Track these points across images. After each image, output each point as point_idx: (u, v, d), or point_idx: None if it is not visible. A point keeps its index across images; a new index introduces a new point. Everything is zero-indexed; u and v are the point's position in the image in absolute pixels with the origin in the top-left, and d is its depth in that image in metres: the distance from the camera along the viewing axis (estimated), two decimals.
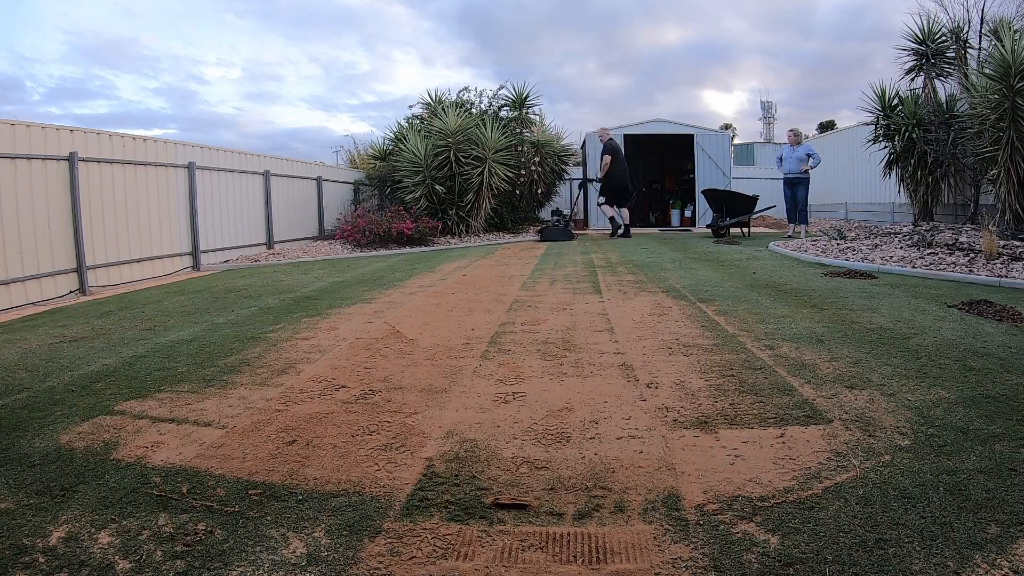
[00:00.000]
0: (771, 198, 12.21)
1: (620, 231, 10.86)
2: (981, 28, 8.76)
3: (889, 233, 8.34)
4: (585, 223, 14.61)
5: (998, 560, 1.15)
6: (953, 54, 9.07)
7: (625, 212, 11.16)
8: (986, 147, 7.05)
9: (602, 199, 11.30)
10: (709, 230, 11.16)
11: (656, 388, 2.27)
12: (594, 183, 12.68)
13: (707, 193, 10.96)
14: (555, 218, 11.83)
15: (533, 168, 12.43)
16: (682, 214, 15.23)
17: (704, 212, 13.39)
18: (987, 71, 7.02)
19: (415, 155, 11.12)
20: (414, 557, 1.24)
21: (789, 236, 10.14)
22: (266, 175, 9.51)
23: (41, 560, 1.25)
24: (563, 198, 16.12)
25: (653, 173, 16.97)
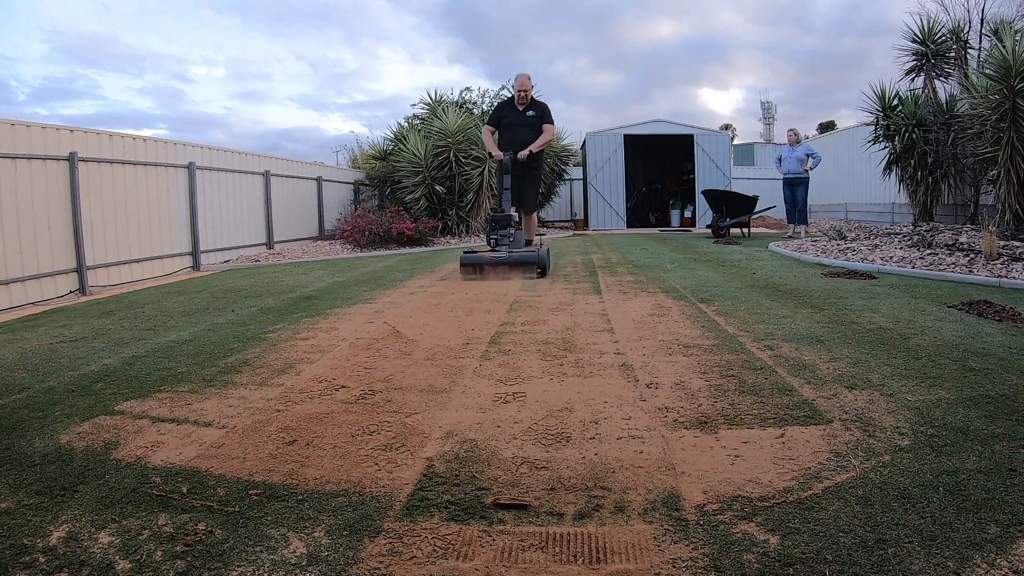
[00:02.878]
0: (771, 198, 12.22)
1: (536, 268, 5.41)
2: (981, 28, 8.77)
3: (889, 233, 8.34)
4: (585, 223, 14.63)
5: (998, 560, 1.15)
6: (953, 54, 9.07)
7: (532, 220, 6.64)
8: (986, 147, 7.05)
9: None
10: (709, 230, 11.16)
11: (656, 388, 2.27)
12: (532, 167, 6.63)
13: (707, 193, 10.96)
14: (495, 233, 5.62)
15: None
16: (682, 214, 15.25)
17: (704, 212, 13.40)
18: (987, 71, 7.02)
19: (415, 155, 11.13)
20: (414, 557, 1.24)
21: (789, 236, 10.15)
22: (266, 175, 9.51)
23: (41, 560, 1.25)
24: (563, 198, 16.15)
25: (653, 173, 16.98)
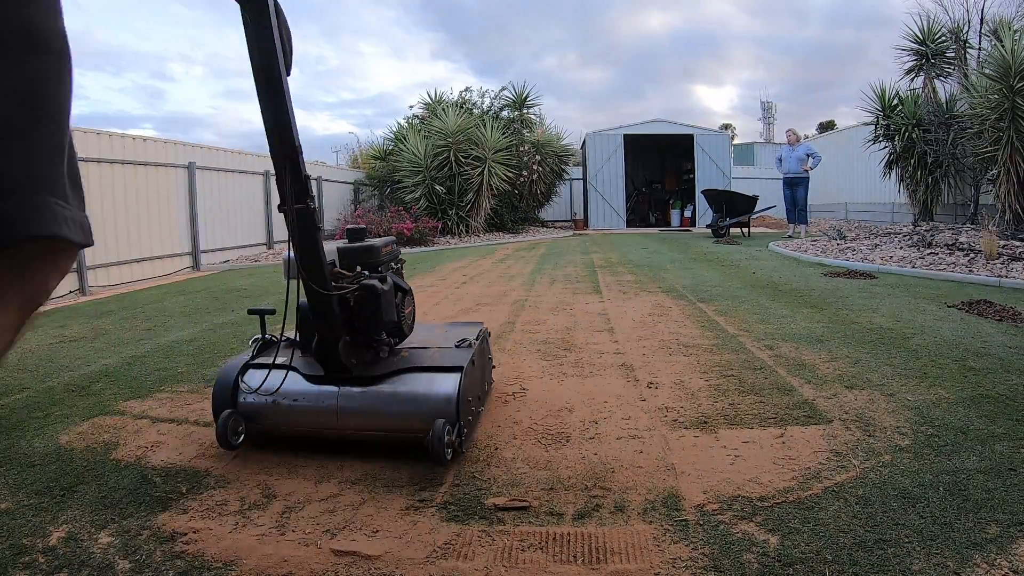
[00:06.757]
0: (771, 198, 12.22)
1: None
2: (981, 28, 8.78)
3: (889, 233, 8.34)
4: (585, 223, 14.64)
5: (998, 560, 1.15)
6: (953, 54, 9.08)
7: None
8: (986, 147, 7.06)
9: None
10: (709, 230, 11.16)
11: (656, 388, 2.27)
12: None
13: (707, 193, 10.97)
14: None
15: (533, 168, 12.44)
16: (682, 214, 15.26)
17: (704, 212, 13.40)
18: (987, 71, 7.03)
19: (415, 155, 11.14)
20: (414, 557, 1.24)
21: (789, 236, 10.15)
22: (266, 175, 9.51)
23: (41, 560, 1.25)
24: (563, 198, 16.15)
25: (653, 173, 16.98)
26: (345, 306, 1.72)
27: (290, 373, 1.78)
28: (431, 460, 1.59)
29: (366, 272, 1.81)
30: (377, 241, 1.90)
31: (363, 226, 2.00)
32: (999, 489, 1.42)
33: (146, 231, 6.91)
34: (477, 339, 2.01)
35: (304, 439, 1.83)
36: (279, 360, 1.81)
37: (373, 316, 1.73)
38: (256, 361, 1.86)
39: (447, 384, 1.71)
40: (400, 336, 1.93)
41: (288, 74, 1.41)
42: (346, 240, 1.88)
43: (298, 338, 1.83)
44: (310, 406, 1.76)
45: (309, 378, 1.78)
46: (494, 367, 2.37)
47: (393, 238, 2.08)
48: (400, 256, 2.06)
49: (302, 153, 1.48)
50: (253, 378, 1.80)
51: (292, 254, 1.55)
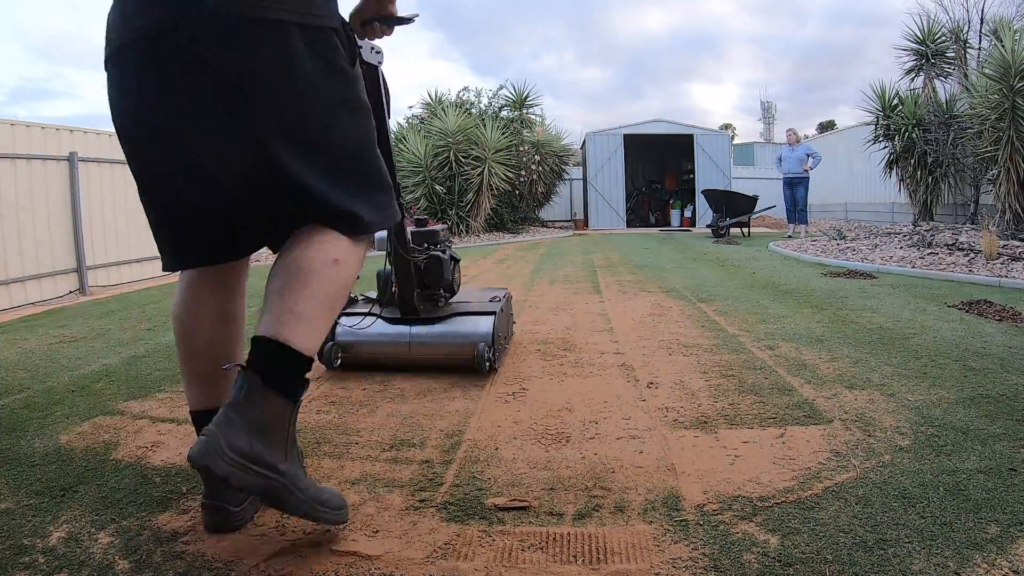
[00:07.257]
0: (771, 198, 12.23)
1: None
2: (981, 28, 8.79)
3: (889, 233, 8.35)
4: (585, 223, 14.65)
5: (998, 560, 1.15)
6: (953, 54, 9.09)
7: None
8: (986, 147, 7.06)
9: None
10: (709, 230, 11.17)
11: (656, 388, 2.27)
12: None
13: (707, 193, 10.98)
14: None
15: (533, 168, 12.45)
16: (682, 214, 15.27)
17: (704, 212, 13.41)
18: (987, 71, 7.04)
19: (415, 155, 11.15)
20: (414, 557, 1.24)
21: (789, 236, 10.16)
22: None
23: (41, 560, 1.25)
24: (563, 198, 16.16)
25: (653, 173, 16.99)
26: (417, 269, 2.40)
27: (373, 317, 2.41)
28: (476, 372, 2.39)
29: (431, 247, 2.48)
30: (437, 227, 2.57)
31: (426, 217, 2.88)
32: (999, 489, 1.42)
33: (146, 231, 6.87)
34: (503, 297, 2.75)
35: (385, 364, 2.51)
36: (364, 312, 2.45)
37: (436, 276, 2.46)
38: (345, 311, 2.47)
39: (486, 323, 2.43)
40: (451, 292, 2.61)
41: (389, 118, 1.92)
42: (414, 226, 2.52)
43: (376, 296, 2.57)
44: (390, 340, 2.46)
45: (389, 320, 2.46)
46: (514, 323, 3.11)
47: (446, 226, 2.77)
48: (450, 238, 2.69)
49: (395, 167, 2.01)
50: (345, 322, 2.48)
51: (386, 234, 2.15)
